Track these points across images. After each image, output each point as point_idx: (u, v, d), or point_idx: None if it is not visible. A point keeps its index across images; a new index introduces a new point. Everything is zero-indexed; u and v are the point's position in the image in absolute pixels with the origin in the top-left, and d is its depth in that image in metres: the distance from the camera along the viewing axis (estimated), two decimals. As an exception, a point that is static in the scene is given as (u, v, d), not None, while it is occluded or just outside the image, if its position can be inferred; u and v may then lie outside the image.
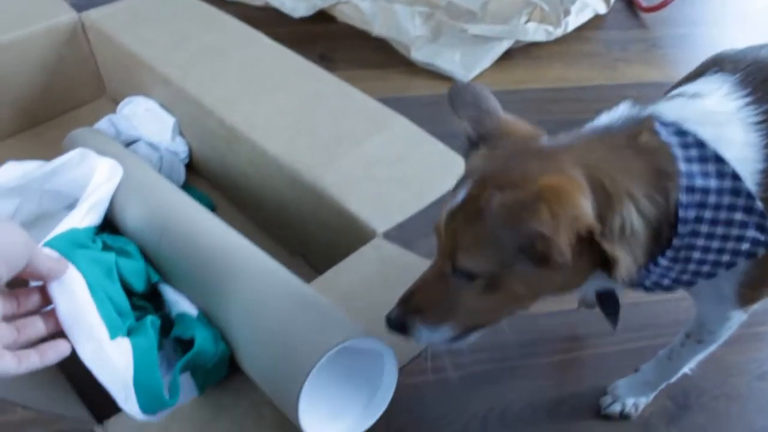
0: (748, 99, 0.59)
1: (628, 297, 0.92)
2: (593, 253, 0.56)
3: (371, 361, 0.64)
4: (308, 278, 0.79)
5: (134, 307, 0.78)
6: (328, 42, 1.65)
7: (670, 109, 0.60)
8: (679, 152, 0.56)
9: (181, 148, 1.16)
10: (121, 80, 1.26)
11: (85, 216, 0.82)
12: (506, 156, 0.59)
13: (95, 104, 1.34)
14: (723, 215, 0.56)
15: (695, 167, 0.56)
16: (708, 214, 0.56)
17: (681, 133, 0.57)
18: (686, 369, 0.86)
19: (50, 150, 1.12)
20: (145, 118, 1.16)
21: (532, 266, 0.55)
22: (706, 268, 0.60)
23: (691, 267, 0.59)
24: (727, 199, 0.56)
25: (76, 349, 0.63)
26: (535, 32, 1.57)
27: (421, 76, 1.55)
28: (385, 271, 0.79)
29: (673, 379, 0.89)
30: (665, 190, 0.56)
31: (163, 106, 1.17)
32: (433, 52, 1.55)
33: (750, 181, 0.57)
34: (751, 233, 0.57)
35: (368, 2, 1.62)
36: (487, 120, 0.63)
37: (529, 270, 0.56)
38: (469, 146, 0.63)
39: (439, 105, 1.45)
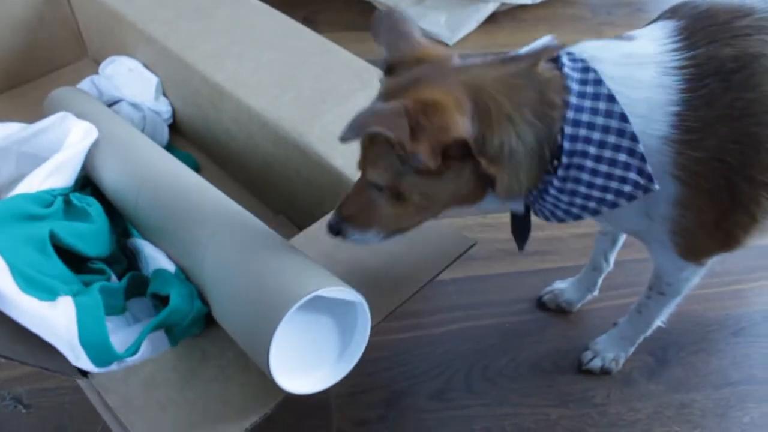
0: (678, 45, 0.60)
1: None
2: (479, 170, 0.60)
3: (345, 313, 0.65)
4: (292, 236, 0.80)
5: (91, 270, 0.79)
6: (313, 4, 1.64)
7: (589, 48, 0.62)
8: (574, 86, 0.59)
9: (164, 108, 1.15)
10: (103, 40, 1.24)
11: (47, 178, 0.83)
12: (409, 77, 0.61)
13: (77, 65, 1.33)
14: (607, 154, 0.59)
15: (587, 103, 0.59)
16: (592, 149, 0.59)
17: (584, 69, 0.60)
18: (659, 322, 0.88)
19: (32, 110, 1.11)
20: (127, 78, 1.15)
21: (421, 174, 0.60)
22: (592, 204, 0.62)
23: (578, 201, 0.63)
24: (612, 138, 0.59)
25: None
26: (521, -5, 1.57)
27: (405, 38, 1.54)
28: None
29: (648, 332, 0.90)
30: (549, 119, 0.59)
31: (146, 65, 1.16)
32: (419, 14, 1.54)
33: (662, 122, 0.59)
34: (633, 176, 0.59)
35: (353, -36, 1.61)
36: (402, 44, 0.65)
37: (418, 179, 0.61)
38: (386, 70, 0.66)
39: (424, 67, 1.46)
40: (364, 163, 0.64)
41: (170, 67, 1.09)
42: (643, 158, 0.59)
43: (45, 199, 0.81)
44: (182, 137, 1.18)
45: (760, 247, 1.10)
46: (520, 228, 0.73)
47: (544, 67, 0.60)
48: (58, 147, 0.87)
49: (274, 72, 1.00)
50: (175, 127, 1.18)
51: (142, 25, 1.10)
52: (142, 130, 1.11)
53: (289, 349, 0.60)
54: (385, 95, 0.62)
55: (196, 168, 1.11)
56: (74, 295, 0.70)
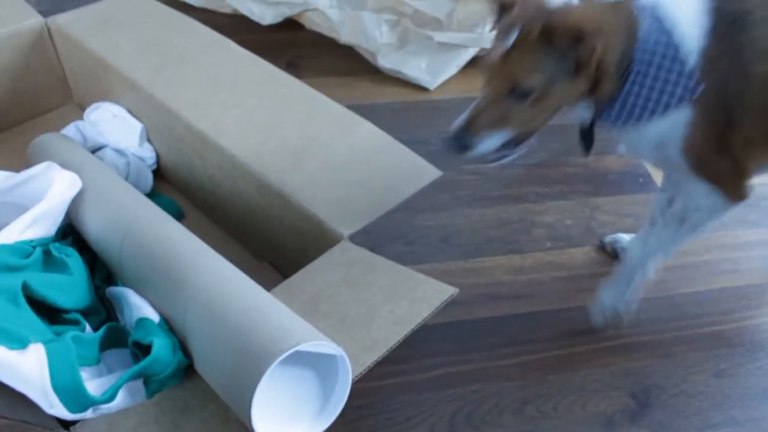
0: None
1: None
2: (591, 78, 0.78)
3: (327, 365, 0.65)
4: (275, 282, 0.80)
5: (65, 321, 0.79)
6: (296, 49, 1.66)
7: None
8: (644, 19, 0.78)
9: (148, 153, 1.16)
10: (88, 86, 1.25)
11: (27, 228, 0.83)
12: (535, 11, 0.78)
13: (62, 110, 1.33)
14: (663, 73, 0.78)
15: (653, 33, 0.78)
16: (653, 68, 0.78)
17: (653, 7, 0.79)
18: (651, 268, 0.98)
19: (16, 156, 1.11)
20: (112, 124, 1.16)
21: (568, 78, 0.78)
22: (651, 105, 0.80)
23: (640, 101, 0.80)
24: (667, 62, 0.77)
25: None
26: (501, 40, 1.59)
27: (387, 83, 1.57)
28: (351, 273, 0.79)
29: (640, 276, 0.99)
30: (631, 40, 0.78)
31: (130, 112, 1.17)
32: (400, 60, 1.56)
33: (693, 54, 0.77)
34: (679, 90, 0.78)
35: (336, 10, 1.63)
36: None
37: (566, 82, 0.78)
38: (500, 10, 0.83)
39: (406, 111, 1.49)
40: (508, 76, 0.78)
41: (154, 113, 1.10)
42: (689, 76, 0.77)
43: (23, 250, 0.81)
44: (166, 183, 1.18)
45: (736, 288, 1.13)
46: (587, 137, 0.90)
47: (623, 4, 0.79)
48: (42, 197, 0.87)
49: (257, 119, 1.01)
50: (159, 172, 1.18)
51: (127, 72, 1.11)
52: (126, 176, 1.11)
53: (270, 402, 0.60)
54: (524, 26, 0.76)
55: (180, 214, 1.12)
56: (45, 342, 0.70)
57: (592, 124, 0.88)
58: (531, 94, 0.79)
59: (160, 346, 0.70)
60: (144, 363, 0.69)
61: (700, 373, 1.01)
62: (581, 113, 0.86)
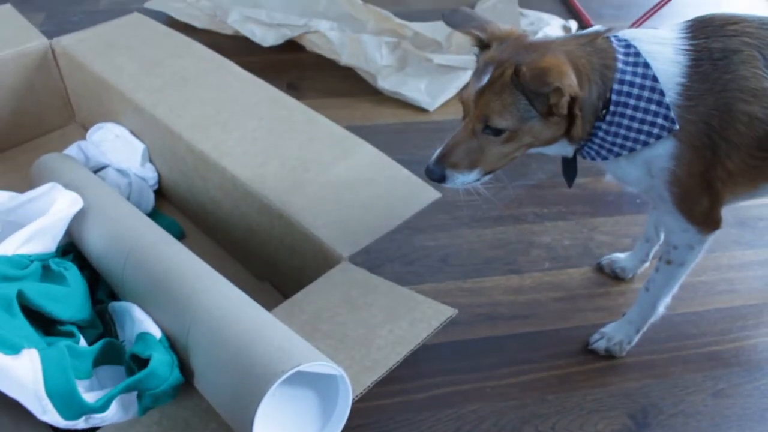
0: (687, 35, 0.80)
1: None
2: (564, 121, 0.79)
3: (327, 385, 0.66)
4: (276, 302, 0.81)
5: (59, 333, 0.79)
6: (297, 71, 1.68)
7: (629, 32, 0.82)
8: (620, 56, 0.79)
9: (150, 174, 1.17)
10: (91, 106, 1.27)
11: (25, 243, 0.84)
12: (512, 49, 0.79)
13: (65, 130, 1.35)
14: (642, 104, 0.78)
15: (629, 68, 0.78)
16: (632, 101, 0.78)
17: (627, 45, 0.79)
18: (664, 304, 1.00)
19: (20, 175, 1.13)
20: (114, 144, 1.18)
21: (539, 120, 0.78)
22: (629, 143, 0.81)
23: (618, 140, 0.81)
24: (646, 93, 0.78)
25: None
26: (499, 62, 1.61)
27: (387, 104, 1.58)
28: (351, 294, 0.80)
29: (653, 318, 1.01)
30: (606, 78, 0.78)
31: (132, 132, 1.18)
32: (399, 81, 1.58)
33: (672, 90, 0.78)
34: (660, 120, 0.78)
35: (336, 32, 1.66)
36: (486, 27, 0.84)
37: (537, 123, 0.79)
38: (479, 47, 0.84)
39: (405, 133, 1.50)
40: (481, 113, 0.79)
41: (156, 134, 1.12)
42: (668, 107, 0.78)
43: (21, 262, 0.82)
44: (168, 203, 1.19)
45: (733, 308, 1.13)
46: (569, 170, 0.91)
47: (599, 41, 0.80)
48: (43, 215, 0.88)
49: (258, 141, 1.03)
50: (161, 192, 1.19)
51: (130, 93, 1.13)
52: (128, 196, 1.12)
53: (272, 421, 0.61)
54: (499, 65, 0.78)
55: (181, 234, 1.13)
56: (39, 349, 0.70)
57: (574, 157, 0.89)
58: (503, 133, 0.80)
59: (159, 361, 0.71)
60: (140, 375, 0.70)
61: (697, 393, 1.01)
62: (561, 149, 0.87)
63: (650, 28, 0.84)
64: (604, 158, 0.84)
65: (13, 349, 0.68)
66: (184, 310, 0.73)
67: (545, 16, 1.80)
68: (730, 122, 0.79)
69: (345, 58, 1.63)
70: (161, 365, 0.70)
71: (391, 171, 0.98)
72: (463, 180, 0.83)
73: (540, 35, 1.67)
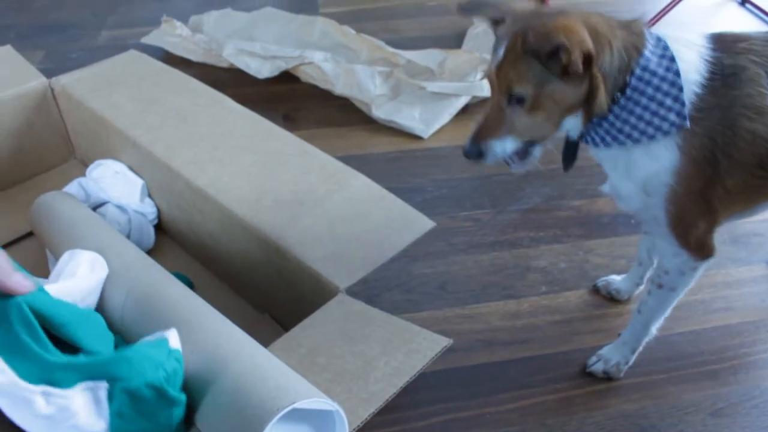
0: (710, 45, 0.81)
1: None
2: (585, 85, 0.79)
3: (324, 420, 0.67)
4: (274, 334, 0.82)
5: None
6: (293, 102, 1.70)
7: (660, 32, 0.83)
8: (650, 44, 0.80)
9: (149, 209, 1.19)
10: (90, 144, 1.29)
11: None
12: (525, 19, 0.80)
13: (65, 167, 1.37)
14: (659, 96, 0.79)
15: (655, 58, 0.79)
16: (650, 90, 0.79)
17: (658, 39, 0.81)
18: (656, 326, 1.01)
19: (20, 213, 1.15)
20: (113, 180, 1.19)
21: (558, 83, 0.78)
22: (636, 133, 0.81)
23: (626, 128, 0.81)
24: (665, 86, 0.78)
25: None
26: (491, 87, 1.64)
27: (381, 133, 1.60)
28: (348, 326, 0.81)
29: (647, 338, 1.02)
30: (631, 57, 0.79)
31: (131, 168, 1.20)
32: (393, 110, 1.60)
33: (686, 98, 0.78)
34: (672, 116, 0.79)
35: (330, 63, 1.68)
36: (501, 6, 0.86)
37: (557, 86, 0.79)
38: (494, 25, 0.86)
39: (399, 161, 1.52)
40: (504, 86, 0.81)
41: (155, 171, 1.13)
42: (683, 104, 0.78)
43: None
44: (168, 237, 1.21)
45: (729, 326, 1.14)
46: (569, 154, 0.91)
47: (635, 25, 0.81)
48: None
49: (253, 175, 1.04)
50: (160, 227, 1.21)
51: (128, 131, 1.15)
52: (128, 231, 1.14)
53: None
54: (512, 36, 0.79)
55: (190, 286, 1.12)
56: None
57: (577, 142, 0.89)
58: (525, 101, 0.80)
59: (141, 353, 0.65)
60: (110, 356, 0.65)
61: (696, 412, 1.02)
62: (573, 123, 0.85)
63: (683, 33, 0.85)
64: (608, 145, 0.84)
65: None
66: (183, 348, 0.74)
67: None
68: (734, 139, 0.79)
69: (339, 89, 1.65)
70: (143, 358, 0.64)
71: (385, 201, 0.99)
72: (501, 148, 0.84)
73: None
